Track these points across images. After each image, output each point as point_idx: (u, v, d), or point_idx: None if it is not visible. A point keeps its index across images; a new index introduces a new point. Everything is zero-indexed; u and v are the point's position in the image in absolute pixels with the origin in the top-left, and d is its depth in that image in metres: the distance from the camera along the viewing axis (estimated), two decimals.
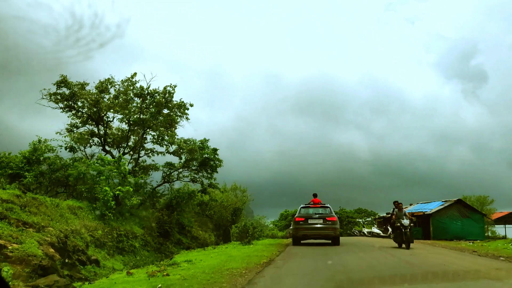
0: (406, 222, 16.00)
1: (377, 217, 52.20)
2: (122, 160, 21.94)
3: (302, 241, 18.73)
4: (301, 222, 17.89)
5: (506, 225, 48.73)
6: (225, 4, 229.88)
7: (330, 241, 18.03)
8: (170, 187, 28.51)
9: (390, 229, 34.12)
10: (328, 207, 18.52)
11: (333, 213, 18.37)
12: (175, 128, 27.81)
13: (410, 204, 37.90)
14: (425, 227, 32.40)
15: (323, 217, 17.66)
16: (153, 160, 27.91)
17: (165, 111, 27.04)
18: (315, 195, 20.53)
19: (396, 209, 16.96)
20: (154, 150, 27.30)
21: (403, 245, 16.09)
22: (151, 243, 22.67)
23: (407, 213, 16.82)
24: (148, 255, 21.99)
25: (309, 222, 17.65)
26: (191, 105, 26.81)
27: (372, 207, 62.91)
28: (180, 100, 26.73)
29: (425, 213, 32.43)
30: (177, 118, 27.22)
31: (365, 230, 36.93)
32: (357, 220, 58.27)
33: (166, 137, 26.56)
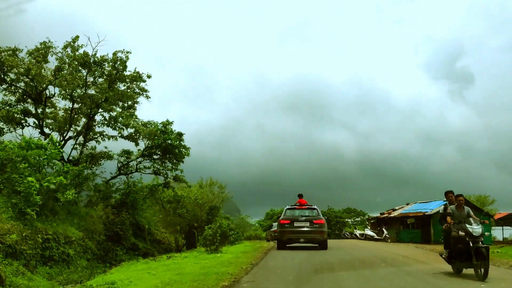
0: (477, 228, 8.90)
1: (367, 217, 48.32)
2: (54, 142, 16.96)
3: (287, 245, 17.16)
4: (286, 225, 16.62)
5: (504, 227, 45.32)
6: (211, 2, 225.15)
7: (317, 245, 16.83)
8: (127, 180, 23.55)
9: (385, 231, 30.97)
10: (315, 208, 17.38)
11: (321, 215, 17.40)
12: (134, 110, 22.91)
13: (407, 204, 34.35)
14: (425, 229, 29.04)
15: (310, 219, 16.54)
16: (105, 147, 22.88)
17: (122, 86, 22.00)
18: (300, 196, 18.90)
19: (451, 206, 9.85)
20: (105, 133, 22.19)
21: (463, 270, 9.44)
22: (92, 249, 17.85)
23: (471, 213, 9.54)
24: (87, 265, 17.18)
25: (295, 225, 16.46)
26: (149, 77, 21.59)
27: (359, 207, 59.06)
28: (135, 70, 21.56)
29: (425, 213, 28.93)
30: (135, 96, 22.10)
31: (357, 232, 32.99)
32: (346, 220, 55.02)
33: (120, 119, 21.47)
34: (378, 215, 35.78)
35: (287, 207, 17.83)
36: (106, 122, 21.85)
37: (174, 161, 23.68)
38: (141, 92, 22.16)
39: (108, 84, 20.65)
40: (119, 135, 22.15)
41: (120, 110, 22.42)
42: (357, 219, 58.02)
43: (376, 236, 30.56)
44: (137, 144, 22.57)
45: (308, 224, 16.26)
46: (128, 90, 21.98)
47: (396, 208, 34.73)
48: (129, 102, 22.39)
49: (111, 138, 22.35)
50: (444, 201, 13.79)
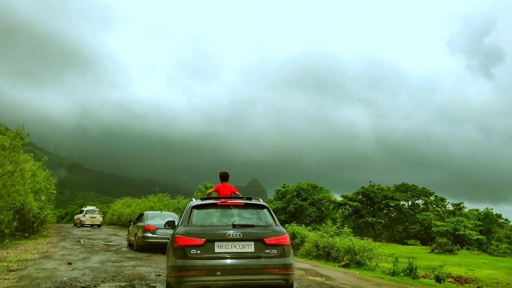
0: None
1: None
2: None
3: None
4: (194, 251, 5.93)
5: None
6: None
7: None
8: None
9: None
10: (263, 206, 6.96)
11: (278, 223, 6.75)
12: None
13: None
14: None
15: (254, 236, 6.18)
16: None
17: None
18: (224, 177, 10.05)
19: None
20: None
21: None
22: None
23: None
24: None
25: (216, 251, 6.00)
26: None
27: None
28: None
29: None
30: None
31: None
32: (402, 203, 45.72)
33: None
34: None
35: (193, 202, 6.97)
36: None
37: None
38: None
39: None
40: None
41: None
42: (417, 200, 47.85)
43: None
44: None
45: (251, 248, 6.10)
46: None
47: None
48: None
49: None
50: None
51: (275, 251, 6.09)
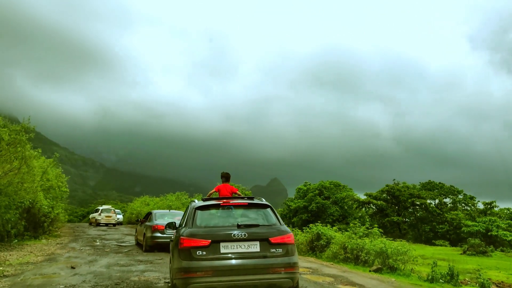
0: None
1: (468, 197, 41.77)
2: None
3: None
4: (200, 252, 5.87)
5: None
6: None
7: None
8: None
9: None
10: (266, 206, 6.86)
11: (282, 222, 6.65)
12: None
13: None
14: None
15: (258, 235, 6.13)
16: None
17: None
18: (225, 177, 10.08)
19: None
20: None
21: None
22: None
23: None
24: None
25: (222, 251, 5.93)
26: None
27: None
28: None
29: None
30: None
31: None
32: (429, 202, 42.75)
33: None
34: None
35: (196, 203, 6.86)
36: None
37: None
38: None
39: None
40: None
41: None
42: (445, 199, 44.93)
43: None
44: None
45: (256, 247, 6.08)
46: None
47: None
48: None
49: None
50: None
51: (280, 250, 6.08)
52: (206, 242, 5.86)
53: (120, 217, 36.83)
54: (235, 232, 5.98)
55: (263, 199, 7.17)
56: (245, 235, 5.98)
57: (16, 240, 16.22)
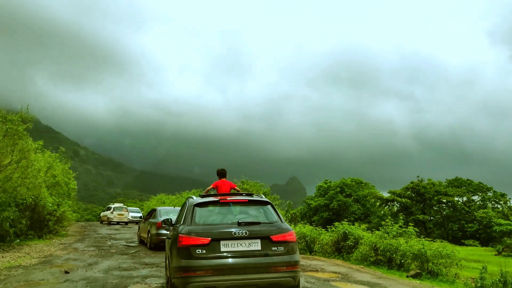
0: None
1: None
2: None
3: None
4: (199, 251, 5.53)
5: None
6: None
7: None
8: None
9: None
10: (266, 202, 6.48)
11: (283, 220, 6.34)
12: None
13: None
14: None
15: (258, 233, 5.81)
16: None
17: None
18: (222, 174, 9.82)
19: None
20: None
21: None
22: None
23: None
24: None
25: (222, 250, 5.60)
26: None
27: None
28: None
29: None
30: None
31: None
32: (457, 199, 40.35)
33: None
34: None
35: (194, 200, 6.43)
36: None
37: None
38: None
39: None
40: None
41: None
42: (473, 196, 42.19)
43: None
44: None
45: (256, 246, 5.80)
46: None
47: None
48: None
49: None
50: None
51: (281, 248, 5.84)
52: (206, 240, 5.59)
53: (139, 215, 35.61)
54: (236, 230, 5.71)
55: (263, 196, 6.87)
56: (246, 233, 5.71)
57: (18, 240, 15.10)
